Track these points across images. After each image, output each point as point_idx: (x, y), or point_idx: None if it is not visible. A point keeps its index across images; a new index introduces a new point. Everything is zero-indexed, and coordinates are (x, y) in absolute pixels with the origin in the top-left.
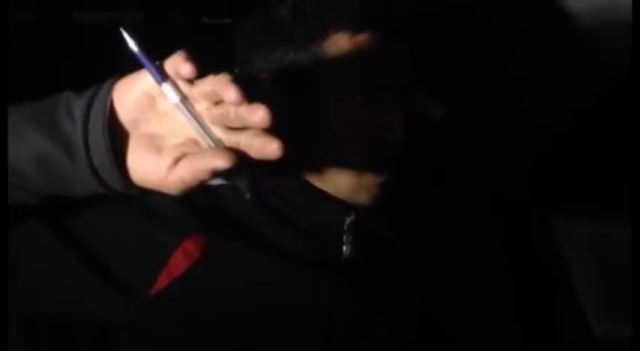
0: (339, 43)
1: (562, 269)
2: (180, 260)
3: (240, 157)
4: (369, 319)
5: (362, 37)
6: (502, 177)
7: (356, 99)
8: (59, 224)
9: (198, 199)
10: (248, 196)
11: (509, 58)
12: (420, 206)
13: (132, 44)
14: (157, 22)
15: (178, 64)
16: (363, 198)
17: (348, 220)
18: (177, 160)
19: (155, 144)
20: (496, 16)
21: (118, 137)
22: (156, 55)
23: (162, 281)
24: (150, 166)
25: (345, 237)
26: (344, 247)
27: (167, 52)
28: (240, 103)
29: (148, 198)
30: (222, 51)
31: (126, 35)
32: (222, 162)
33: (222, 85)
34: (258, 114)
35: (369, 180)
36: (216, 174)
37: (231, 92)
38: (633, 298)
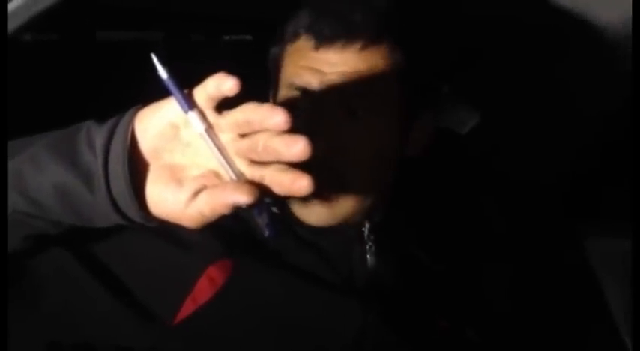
0: (301, 45)
1: (594, 286)
2: (205, 287)
3: (262, 193)
4: (399, 341)
5: (296, 41)
6: (533, 189)
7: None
8: (83, 250)
9: (222, 223)
10: (267, 233)
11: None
12: (444, 223)
13: (161, 71)
14: (179, 40)
15: (222, 81)
16: (359, 220)
17: (366, 231)
18: (197, 193)
19: (176, 175)
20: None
21: (138, 168)
22: (180, 75)
23: (187, 309)
24: (169, 198)
25: (367, 247)
26: (367, 257)
27: (189, 70)
28: (284, 128)
29: (171, 224)
30: (243, 68)
31: (156, 61)
32: (243, 197)
33: (265, 110)
34: (298, 146)
35: (362, 203)
36: (236, 209)
37: (278, 116)
38: (634, 301)
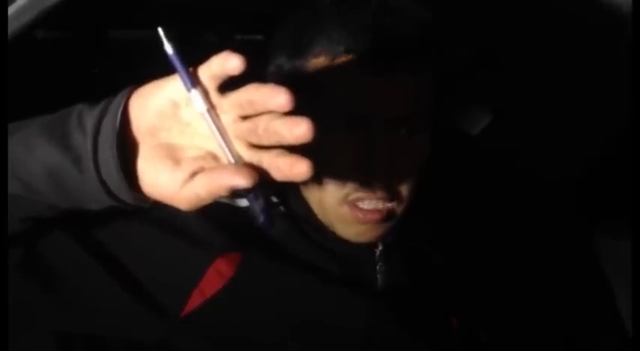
0: (318, 64)
1: (604, 287)
2: (213, 280)
3: (260, 177)
4: (408, 342)
5: (340, 61)
6: (549, 188)
7: (331, 129)
8: (93, 241)
9: (231, 218)
10: (262, 219)
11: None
12: (457, 221)
13: (167, 46)
14: (191, 39)
15: (226, 59)
16: (348, 233)
17: (377, 252)
18: (193, 174)
19: (173, 155)
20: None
21: (131, 146)
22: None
23: (195, 301)
24: (164, 178)
25: (377, 267)
26: (378, 276)
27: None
28: (287, 109)
29: (179, 216)
30: (254, 68)
31: (163, 36)
32: (242, 180)
33: (269, 90)
34: (301, 128)
35: (351, 217)
36: (233, 192)
37: (281, 96)
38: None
